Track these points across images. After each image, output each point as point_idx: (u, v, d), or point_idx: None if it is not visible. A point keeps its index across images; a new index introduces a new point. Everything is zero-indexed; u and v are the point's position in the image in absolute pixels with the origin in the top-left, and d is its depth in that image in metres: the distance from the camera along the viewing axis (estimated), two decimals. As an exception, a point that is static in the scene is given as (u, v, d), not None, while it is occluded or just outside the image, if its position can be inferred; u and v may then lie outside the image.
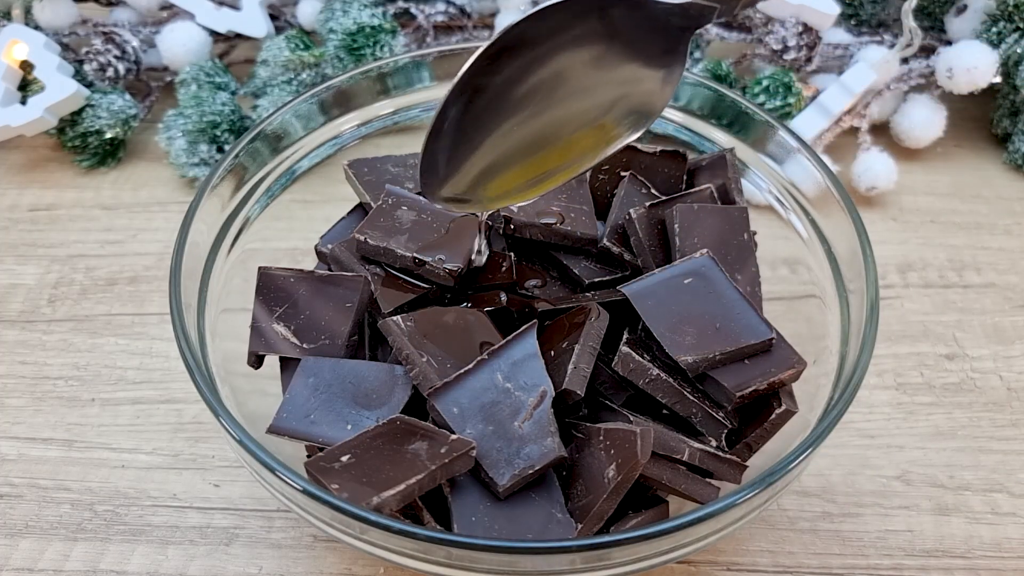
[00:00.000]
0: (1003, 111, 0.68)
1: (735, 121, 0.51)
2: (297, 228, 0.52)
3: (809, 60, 0.65)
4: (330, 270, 0.47)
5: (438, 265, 0.43)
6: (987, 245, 0.62)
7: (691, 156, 0.51)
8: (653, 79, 0.39)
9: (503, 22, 0.70)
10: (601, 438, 0.39)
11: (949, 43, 0.67)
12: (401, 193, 0.47)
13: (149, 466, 0.50)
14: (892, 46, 0.67)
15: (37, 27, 0.70)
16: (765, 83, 0.63)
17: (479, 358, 0.40)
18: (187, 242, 0.43)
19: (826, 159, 0.61)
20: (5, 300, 0.58)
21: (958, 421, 0.52)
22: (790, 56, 0.64)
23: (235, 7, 0.70)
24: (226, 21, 0.69)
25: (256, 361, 0.44)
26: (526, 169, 0.39)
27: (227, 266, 0.48)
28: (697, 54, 0.68)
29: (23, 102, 0.65)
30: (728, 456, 0.40)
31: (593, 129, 0.40)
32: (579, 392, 0.40)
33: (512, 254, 0.47)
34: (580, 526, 0.38)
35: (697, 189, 0.47)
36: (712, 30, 0.68)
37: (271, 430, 0.40)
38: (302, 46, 0.66)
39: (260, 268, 0.45)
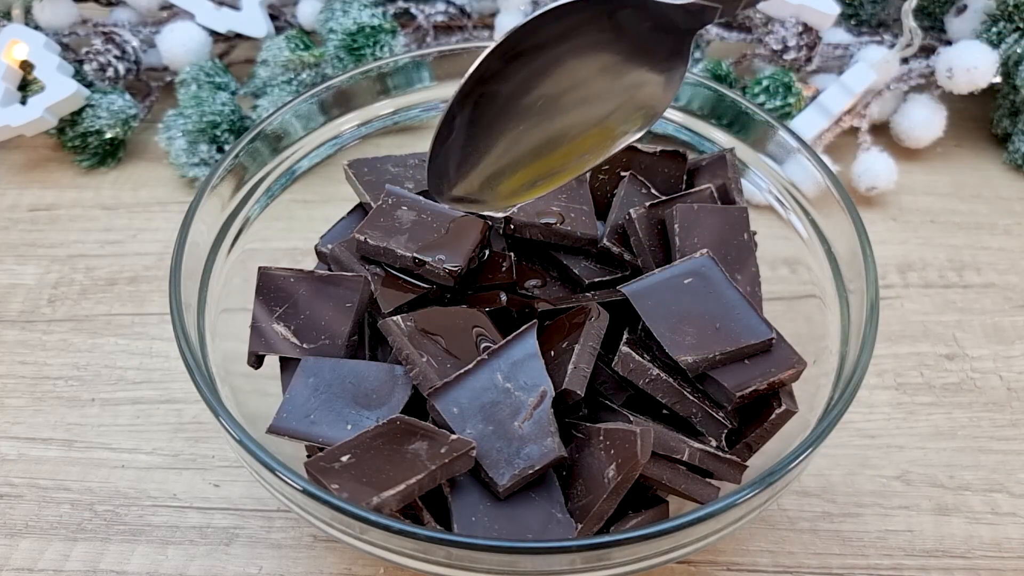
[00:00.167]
0: (1003, 111, 0.68)
1: (735, 121, 0.51)
2: (297, 228, 0.52)
3: (809, 60, 0.65)
4: (330, 270, 0.47)
5: (438, 265, 0.43)
6: (987, 245, 0.62)
7: (691, 156, 0.51)
8: (657, 79, 0.39)
9: (503, 22, 0.70)
10: (601, 438, 0.39)
11: (949, 43, 0.67)
12: (401, 193, 0.47)
13: (149, 466, 0.50)
14: (892, 46, 0.67)
15: (37, 27, 0.70)
16: (765, 83, 0.63)
17: (479, 358, 0.41)
18: (187, 242, 0.43)
19: (826, 159, 0.61)
20: (5, 300, 0.58)
21: (958, 421, 0.52)
22: (790, 56, 0.64)
23: (235, 7, 0.70)
24: (226, 21, 0.69)
25: (256, 361, 0.44)
26: (532, 169, 0.40)
27: (227, 266, 0.48)
28: (697, 54, 0.68)
29: (23, 102, 0.65)
30: (728, 456, 0.40)
31: (598, 129, 0.40)
32: (579, 392, 0.40)
33: (512, 254, 0.47)
34: (580, 526, 0.38)
35: (697, 189, 0.47)
36: (712, 30, 0.68)
37: (271, 430, 0.40)
38: (302, 46, 0.66)
39: (260, 268, 0.45)
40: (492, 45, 0.35)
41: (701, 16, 0.38)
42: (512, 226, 0.46)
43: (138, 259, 0.60)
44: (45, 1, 0.69)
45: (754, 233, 0.47)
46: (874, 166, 0.63)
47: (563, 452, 0.38)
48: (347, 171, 0.50)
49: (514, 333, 0.41)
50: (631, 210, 0.46)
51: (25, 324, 0.57)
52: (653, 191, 0.49)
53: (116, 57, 0.66)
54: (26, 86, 0.66)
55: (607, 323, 0.43)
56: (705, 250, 0.43)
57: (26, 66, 0.65)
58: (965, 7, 0.67)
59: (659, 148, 0.49)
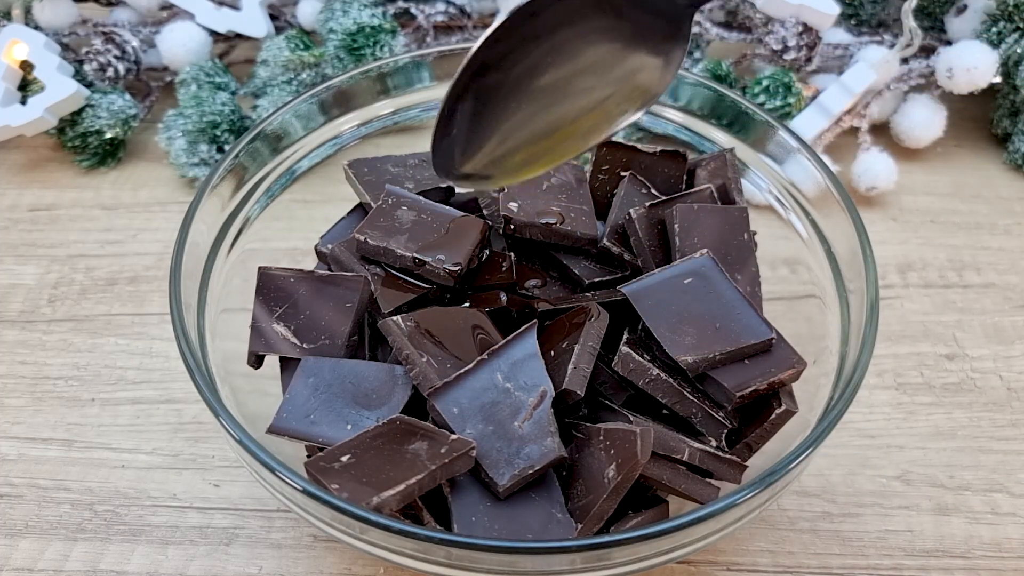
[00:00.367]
0: (1003, 111, 0.68)
1: (735, 121, 0.51)
2: (297, 228, 0.52)
3: (809, 60, 0.65)
4: (330, 270, 0.47)
5: (438, 265, 0.43)
6: (987, 245, 0.62)
7: (691, 156, 0.51)
8: (657, 60, 0.39)
9: (503, 22, 0.70)
10: (601, 438, 0.39)
11: (949, 43, 0.67)
12: (401, 193, 0.47)
13: (149, 466, 0.50)
14: (892, 46, 0.67)
15: (37, 27, 0.70)
16: (765, 83, 0.63)
17: (479, 358, 0.40)
18: (187, 242, 0.43)
19: (826, 159, 0.61)
20: (5, 300, 0.58)
21: (958, 421, 0.52)
22: (790, 56, 0.64)
23: (235, 7, 0.70)
24: (226, 21, 0.69)
25: (256, 361, 0.44)
26: (534, 147, 0.40)
27: (227, 266, 0.48)
28: (697, 54, 0.68)
29: (23, 102, 0.65)
30: (728, 456, 0.40)
31: (597, 111, 0.40)
32: (579, 392, 0.40)
33: (512, 254, 0.47)
34: (580, 526, 0.38)
35: (697, 189, 0.47)
36: (712, 30, 0.68)
37: (271, 430, 0.40)
38: (302, 46, 0.66)
39: (260, 268, 0.45)
40: (492, 25, 0.35)
41: None
42: (512, 226, 0.46)
43: (138, 259, 0.60)
44: (45, 1, 0.69)
45: (754, 233, 0.47)
46: (874, 166, 0.63)
47: (563, 452, 0.38)
48: (347, 171, 0.50)
49: (514, 333, 0.41)
50: (631, 210, 0.46)
51: (25, 324, 0.57)
52: (653, 191, 0.49)
53: (116, 57, 0.66)
54: (26, 86, 0.66)
55: (607, 323, 0.42)
56: (705, 250, 0.43)
57: (26, 66, 0.65)
58: (965, 7, 0.67)
59: (659, 148, 0.49)
